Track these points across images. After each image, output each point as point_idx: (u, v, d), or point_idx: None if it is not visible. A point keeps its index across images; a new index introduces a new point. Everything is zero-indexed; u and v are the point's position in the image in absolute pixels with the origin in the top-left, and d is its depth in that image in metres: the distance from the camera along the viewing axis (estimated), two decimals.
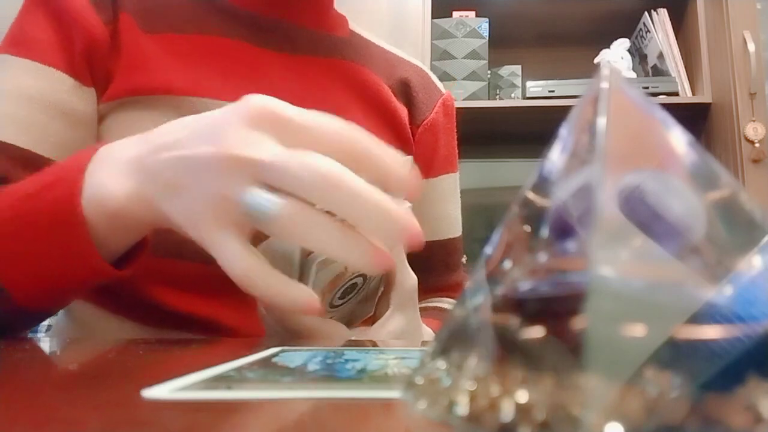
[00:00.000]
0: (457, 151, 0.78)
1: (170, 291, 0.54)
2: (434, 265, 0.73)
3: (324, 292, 0.43)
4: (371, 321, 0.50)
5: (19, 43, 0.57)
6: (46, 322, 1.10)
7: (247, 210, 0.32)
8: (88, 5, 0.58)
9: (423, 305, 0.69)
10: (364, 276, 0.46)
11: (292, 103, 0.36)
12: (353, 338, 0.43)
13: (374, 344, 0.40)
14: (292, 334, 0.41)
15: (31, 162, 0.54)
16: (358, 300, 0.47)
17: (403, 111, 0.72)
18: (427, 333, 0.53)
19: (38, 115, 0.55)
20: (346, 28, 0.73)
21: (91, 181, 0.39)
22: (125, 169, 0.38)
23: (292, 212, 0.32)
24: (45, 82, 0.56)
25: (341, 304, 0.46)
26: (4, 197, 0.42)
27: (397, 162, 0.34)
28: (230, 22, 0.63)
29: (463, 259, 0.80)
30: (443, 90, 0.78)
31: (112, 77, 0.58)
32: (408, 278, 0.48)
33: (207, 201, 0.34)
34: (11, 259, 0.41)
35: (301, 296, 0.35)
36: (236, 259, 0.34)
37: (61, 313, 0.62)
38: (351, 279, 0.44)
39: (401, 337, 0.46)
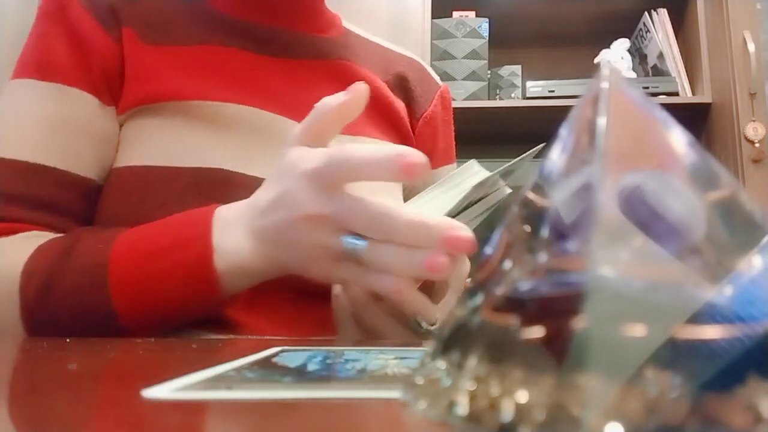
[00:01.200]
0: (454, 143, 0.79)
1: None
2: None
3: None
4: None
5: (41, 67, 0.59)
6: None
7: (345, 250, 0.41)
8: (96, 25, 0.60)
9: None
10: None
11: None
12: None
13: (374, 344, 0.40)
14: (362, 331, 0.48)
15: (74, 184, 0.57)
16: None
17: (401, 106, 0.73)
18: None
19: (71, 138, 0.57)
20: (340, 27, 0.74)
21: (219, 242, 0.45)
22: (244, 233, 0.45)
23: (374, 247, 0.40)
24: (73, 105, 0.58)
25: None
26: (123, 248, 0.47)
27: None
28: (228, 33, 0.65)
29: None
30: (440, 82, 0.80)
31: (123, 91, 0.60)
32: (464, 264, 0.52)
33: (313, 251, 0.42)
34: (136, 301, 0.46)
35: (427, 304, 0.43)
36: (356, 275, 0.42)
37: None
38: None
39: None
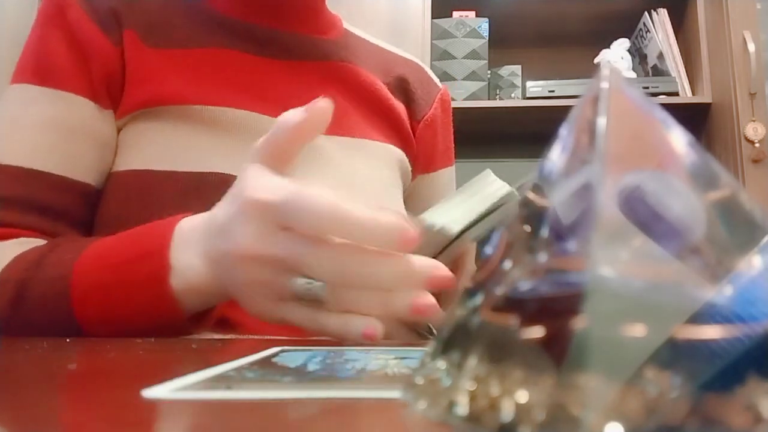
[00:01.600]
0: (453, 144, 0.80)
1: None
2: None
3: None
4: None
5: (39, 71, 0.59)
6: None
7: (299, 293, 0.38)
8: (96, 29, 0.60)
9: None
10: None
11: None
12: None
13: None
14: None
15: (72, 188, 0.57)
16: None
17: (401, 108, 0.73)
18: None
19: (69, 143, 0.57)
20: (340, 28, 0.74)
21: (176, 259, 0.43)
22: (198, 251, 0.43)
23: (338, 289, 0.38)
24: (71, 109, 0.58)
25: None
26: (87, 261, 0.46)
27: (385, 223, 0.36)
28: (229, 34, 0.65)
29: None
30: (440, 85, 0.80)
31: (123, 94, 0.60)
32: (473, 267, 0.53)
33: (254, 289, 0.40)
34: (97, 313, 0.45)
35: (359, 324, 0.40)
36: (305, 319, 0.39)
37: None
38: None
39: None
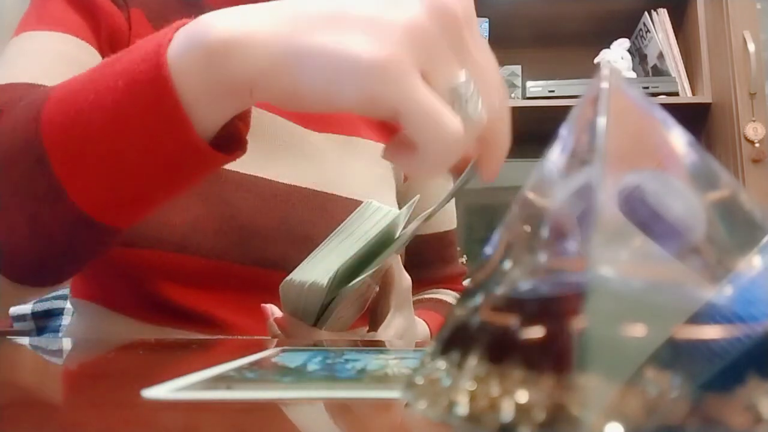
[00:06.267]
0: None
1: (173, 286, 0.54)
2: (431, 259, 0.75)
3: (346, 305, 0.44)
4: (366, 320, 0.51)
5: (44, 19, 0.54)
6: (58, 322, 1.08)
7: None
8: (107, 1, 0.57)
9: (419, 297, 0.71)
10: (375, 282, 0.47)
11: None
12: (359, 338, 0.45)
13: (374, 344, 0.40)
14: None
15: None
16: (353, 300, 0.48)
17: None
18: (421, 328, 0.54)
19: (75, 70, 0.53)
20: None
21: (182, 30, 0.32)
22: (248, 14, 0.31)
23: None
24: (78, 49, 0.53)
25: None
26: (62, 85, 0.37)
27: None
28: None
29: (463, 259, 0.80)
30: None
31: None
32: (404, 279, 0.50)
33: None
34: (75, 151, 0.34)
35: None
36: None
37: (74, 314, 0.63)
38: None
39: (402, 337, 0.47)
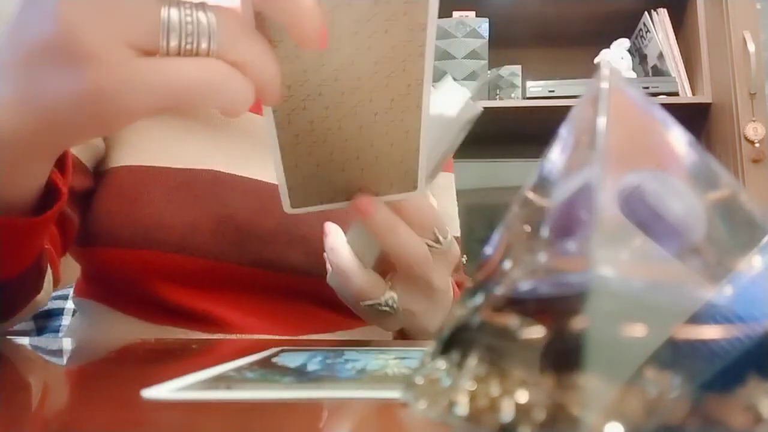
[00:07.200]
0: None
1: (173, 286, 0.54)
2: None
3: None
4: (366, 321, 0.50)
5: None
6: (58, 322, 1.08)
7: None
8: None
9: None
10: None
11: None
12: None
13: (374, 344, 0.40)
14: (382, 262, 0.41)
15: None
16: None
17: None
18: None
19: None
20: None
21: None
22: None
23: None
24: None
25: None
26: None
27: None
28: None
29: (463, 259, 0.80)
30: None
31: None
32: (410, 239, 0.44)
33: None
34: None
35: None
36: None
37: (75, 314, 0.63)
38: None
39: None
